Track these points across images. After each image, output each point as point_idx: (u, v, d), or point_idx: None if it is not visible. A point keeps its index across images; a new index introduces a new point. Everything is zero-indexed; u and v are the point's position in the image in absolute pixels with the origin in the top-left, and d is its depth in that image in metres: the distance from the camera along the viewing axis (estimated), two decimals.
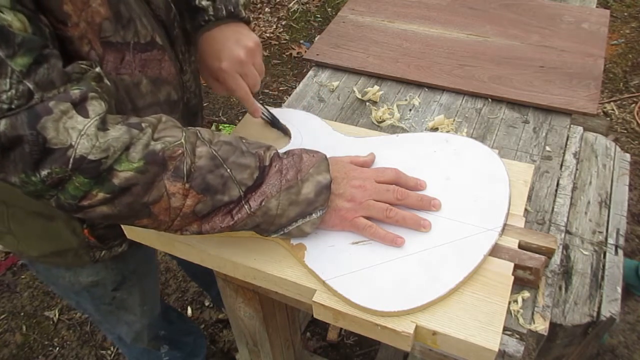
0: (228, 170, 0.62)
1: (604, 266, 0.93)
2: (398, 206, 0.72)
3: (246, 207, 0.64)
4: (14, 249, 0.91)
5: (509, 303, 0.68)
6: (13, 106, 0.52)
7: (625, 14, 2.93)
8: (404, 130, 0.97)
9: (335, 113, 1.02)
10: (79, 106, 0.56)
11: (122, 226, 0.82)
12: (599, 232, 0.98)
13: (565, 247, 0.95)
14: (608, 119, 2.37)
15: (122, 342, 1.23)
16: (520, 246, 0.71)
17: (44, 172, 0.55)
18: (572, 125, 0.98)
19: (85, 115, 0.56)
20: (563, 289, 0.90)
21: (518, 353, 0.65)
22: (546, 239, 0.71)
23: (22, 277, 1.98)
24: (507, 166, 0.79)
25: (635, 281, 1.62)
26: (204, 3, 0.82)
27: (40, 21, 0.57)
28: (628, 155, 1.14)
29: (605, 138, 1.16)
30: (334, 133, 0.89)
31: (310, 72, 1.14)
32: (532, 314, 0.69)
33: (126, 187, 0.58)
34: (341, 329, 1.69)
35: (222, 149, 0.64)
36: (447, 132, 0.95)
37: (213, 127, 2.49)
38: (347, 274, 0.68)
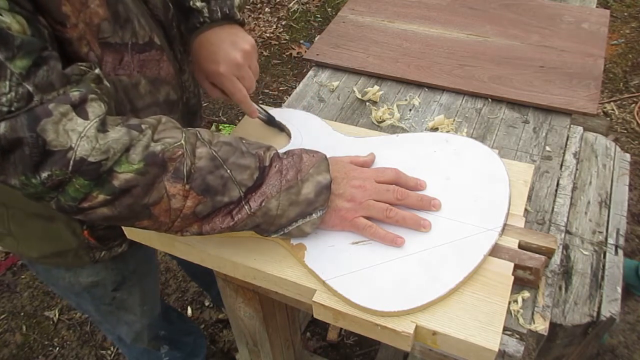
0: (228, 171, 0.62)
1: (604, 266, 0.93)
2: (398, 206, 0.72)
3: (246, 207, 0.64)
4: (14, 250, 0.91)
5: (509, 303, 0.68)
6: (13, 109, 0.52)
7: (625, 14, 2.93)
8: (404, 130, 0.97)
9: (335, 113, 1.02)
10: (79, 108, 0.56)
11: (122, 227, 0.82)
12: (599, 232, 0.98)
13: (565, 247, 0.95)
14: (608, 119, 2.37)
15: (122, 343, 1.23)
16: (520, 246, 0.71)
17: (44, 175, 0.55)
18: (572, 125, 0.98)
19: (85, 117, 0.56)
20: (563, 289, 0.90)
21: (518, 353, 0.65)
22: (546, 239, 0.71)
23: (22, 277, 1.98)
24: (507, 166, 0.79)
25: (635, 281, 1.62)
26: (198, 4, 0.81)
27: (39, 23, 0.57)
28: (628, 155, 1.14)
29: (605, 138, 1.16)
30: (334, 133, 0.89)
31: (310, 72, 1.14)
32: (532, 314, 0.69)
33: (126, 188, 0.58)
34: (341, 329, 1.69)
35: (222, 149, 0.64)
36: (447, 132, 0.95)
37: (213, 127, 2.49)
38: (347, 274, 0.68)
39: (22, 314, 1.87)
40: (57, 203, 0.58)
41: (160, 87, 0.77)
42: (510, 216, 0.74)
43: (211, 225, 0.64)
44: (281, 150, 0.70)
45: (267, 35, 3.03)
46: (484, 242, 0.70)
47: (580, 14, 1.21)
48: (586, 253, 0.95)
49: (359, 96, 1.05)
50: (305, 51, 2.65)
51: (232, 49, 0.79)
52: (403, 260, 0.69)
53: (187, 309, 1.84)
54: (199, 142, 0.63)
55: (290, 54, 2.89)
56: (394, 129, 0.97)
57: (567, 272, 0.92)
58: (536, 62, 1.08)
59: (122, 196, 0.58)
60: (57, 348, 1.77)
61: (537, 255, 0.69)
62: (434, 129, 0.96)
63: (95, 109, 0.57)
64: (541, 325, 0.67)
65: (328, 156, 0.72)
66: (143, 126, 0.60)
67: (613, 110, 2.41)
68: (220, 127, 2.50)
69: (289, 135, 0.90)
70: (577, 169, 0.96)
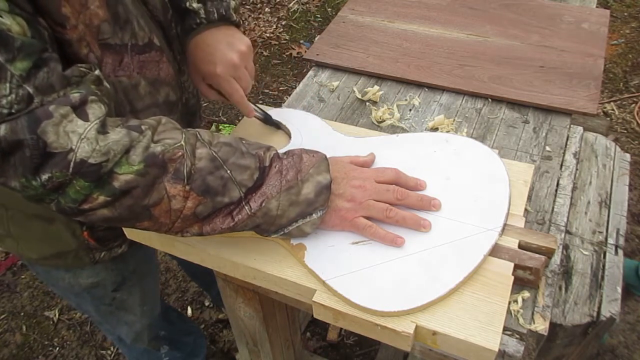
0: (228, 171, 0.62)
1: (604, 266, 0.93)
2: (398, 206, 0.72)
3: (247, 208, 0.64)
4: (14, 251, 0.91)
5: (509, 303, 0.68)
6: (13, 110, 0.52)
7: (625, 14, 2.93)
8: (404, 130, 0.97)
9: (335, 113, 1.02)
10: (79, 110, 0.56)
11: (122, 227, 0.82)
12: (599, 232, 0.98)
13: (565, 247, 0.95)
14: (608, 119, 2.37)
15: (122, 343, 1.23)
16: (520, 246, 0.71)
17: (45, 177, 0.55)
18: (572, 125, 0.98)
19: (86, 118, 0.56)
20: (563, 289, 0.90)
21: (518, 353, 0.65)
22: (546, 239, 0.71)
23: (22, 277, 1.98)
24: (507, 166, 0.79)
25: (635, 281, 1.62)
26: (195, 5, 0.81)
27: (39, 24, 0.57)
28: (628, 155, 1.14)
29: (605, 138, 1.16)
30: (334, 133, 0.89)
31: (310, 72, 1.14)
32: (532, 314, 0.69)
33: (126, 189, 0.58)
34: (341, 329, 1.69)
35: (222, 150, 0.64)
36: (447, 132, 0.95)
37: (213, 127, 2.49)
38: (347, 274, 0.68)
39: (22, 314, 1.87)
40: (57, 205, 0.58)
41: (160, 88, 0.77)
42: (510, 216, 0.74)
43: (211, 225, 0.64)
44: (281, 151, 0.71)
45: (267, 35, 3.03)
46: (484, 242, 0.70)
47: (580, 14, 1.21)
48: (586, 253, 0.95)
49: (359, 96, 1.05)
50: (305, 51, 2.65)
51: (228, 50, 0.79)
52: (403, 260, 0.69)
53: (187, 309, 1.84)
54: (198, 142, 0.63)
55: (290, 54, 2.89)
56: (394, 129, 0.97)
57: (567, 272, 0.92)
58: (536, 62, 1.08)
59: (122, 197, 0.58)
60: (57, 348, 1.77)
61: (537, 255, 0.69)
62: (434, 129, 0.96)
63: (96, 110, 0.57)
64: (541, 325, 0.67)
65: (328, 156, 0.72)
66: (143, 127, 0.60)
67: (613, 110, 2.41)
68: (220, 127, 2.50)
69: (288, 135, 0.90)
70: (577, 169, 0.96)
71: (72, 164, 0.54)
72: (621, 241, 0.98)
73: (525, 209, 0.80)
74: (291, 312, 1.15)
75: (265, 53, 2.91)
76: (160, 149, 0.59)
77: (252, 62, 0.83)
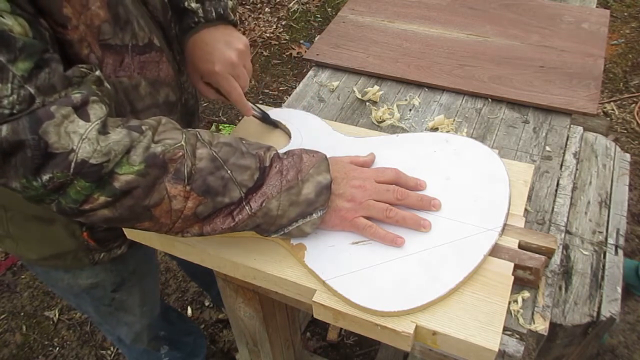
0: (228, 171, 0.62)
1: (604, 266, 0.93)
2: (398, 206, 0.72)
3: (247, 208, 0.64)
4: (13, 252, 0.91)
5: (509, 303, 0.68)
6: (15, 111, 0.52)
7: (625, 14, 2.93)
8: (404, 130, 0.97)
9: (335, 113, 1.02)
10: (80, 110, 0.56)
11: (122, 227, 0.82)
12: (599, 232, 0.98)
13: (565, 247, 0.95)
14: (608, 119, 2.37)
15: (122, 343, 1.23)
16: (520, 246, 0.71)
17: (45, 177, 0.55)
18: (572, 125, 0.98)
19: (87, 119, 0.56)
20: (563, 289, 0.90)
21: (518, 353, 0.65)
22: (546, 239, 0.71)
23: (22, 277, 1.98)
24: (507, 166, 0.79)
25: (635, 281, 1.62)
26: (193, 5, 0.81)
27: (41, 25, 0.57)
28: (628, 155, 1.14)
29: (605, 138, 1.16)
30: (334, 133, 0.89)
31: (310, 72, 1.14)
32: (532, 314, 0.69)
33: (127, 190, 0.58)
34: (341, 329, 1.69)
35: (222, 150, 0.64)
36: (447, 132, 0.95)
37: (213, 127, 2.49)
38: (347, 274, 0.68)
39: (22, 314, 1.87)
40: (58, 205, 0.58)
41: (160, 89, 0.77)
42: (510, 216, 0.74)
43: (212, 226, 0.64)
44: (281, 151, 0.71)
45: (267, 35, 3.03)
46: (484, 242, 0.70)
47: (580, 14, 1.21)
48: (586, 253, 0.95)
49: (359, 96, 1.05)
50: (305, 51, 2.65)
51: (226, 49, 0.80)
52: (403, 260, 0.69)
53: (187, 309, 1.84)
54: (199, 143, 0.63)
55: (290, 54, 2.89)
56: (394, 129, 0.97)
57: (567, 272, 0.92)
58: (536, 62, 1.08)
59: (123, 198, 0.58)
60: (57, 348, 1.77)
61: (537, 255, 0.69)
62: (434, 129, 0.96)
63: (97, 110, 0.57)
64: (541, 325, 0.67)
65: (328, 156, 0.72)
66: (143, 127, 0.60)
67: (613, 110, 2.41)
68: (220, 127, 2.50)
69: (288, 135, 0.90)
70: (577, 169, 0.96)
71: (73, 164, 0.54)
72: (621, 241, 0.98)
73: (525, 209, 0.80)
74: (291, 312, 1.15)
75: (265, 53, 2.91)
76: (161, 149, 0.59)
77: (250, 61, 0.84)
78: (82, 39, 0.62)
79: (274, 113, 0.94)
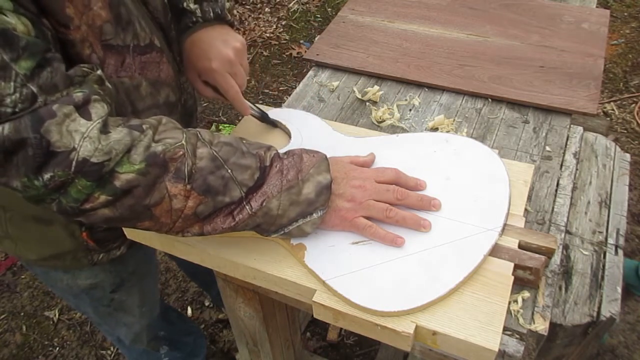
0: (229, 171, 0.63)
1: (604, 266, 0.93)
2: (398, 206, 0.72)
3: (247, 207, 0.64)
4: (12, 253, 0.91)
5: (509, 303, 0.68)
6: (17, 109, 0.52)
7: (625, 14, 2.93)
8: (404, 130, 0.97)
9: (335, 113, 1.02)
10: (82, 109, 0.56)
11: (122, 227, 0.82)
12: (599, 232, 0.98)
13: (565, 247, 0.95)
14: (608, 119, 2.37)
15: (121, 344, 1.23)
16: (520, 246, 0.71)
17: (47, 176, 0.55)
18: (572, 125, 0.98)
19: (88, 117, 0.56)
20: (563, 289, 0.90)
21: (518, 353, 0.65)
22: (546, 239, 0.71)
23: (22, 277, 1.98)
24: (507, 166, 0.79)
25: (635, 281, 1.62)
26: (192, 6, 0.82)
27: (43, 24, 0.57)
28: (628, 155, 1.14)
29: (605, 138, 1.16)
30: (334, 133, 0.89)
31: (310, 72, 1.14)
32: (532, 314, 0.69)
33: (128, 189, 0.58)
34: (341, 329, 1.69)
35: (222, 150, 0.64)
36: (447, 132, 0.95)
37: (213, 127, 2.49)
38: (347, 274, 0.68)
39: (22, 314, 1.87)
40: (58, 205, 0.58)
41: (161, 89, 0.77)
42: (510, 216, 0.74)
43: (212, 225, 0.64)
44: (281, 151, 0.71)
45: (267, 35, 3.03)
46: (484, 242, 0.70)
47: (580, 14, 1.21)
48: (586, 253, 0.95)
49: (359, 96, 1.05)
50: (305, 51, 2.65)
51: (223, 46, 0.80)
52: (403, 260, 0.69)
53: (187, 309, 1.84)
54: (199, 142, 0.63)
55: (290, 54, 2.89)
56: (394, 129, 0.97)
57: (567, 272, 0.92)
58: (536, 62, 1.08)
59: (123, 197, 0.58)
60: (57, 348, 1.77)
61: (537, 255, 0.69)
62: (434, 129, 0.96)
63: (98, 109, 0.57)
64: (541, 325, 0.67)
65: (328, 156, 0.72)
66: (144, 126, 0.60)
67: (613, 110, 2.41)
68: (220, 127, 2.50)
69: (288, 135, 0.90)
70: (577, 169, 0.96)
71: (74, 162, 0.54)
72: (621, 241, 0.98)
73: (525, 209, 0.80)
74: (291, 312, 1.15)
75: (265, 53, 2.91)
76: (162, 149, 0.59)
77: (246, 60, 0.84)
78: (84, 39, 0.62)
79: (273, 113, 0.94)
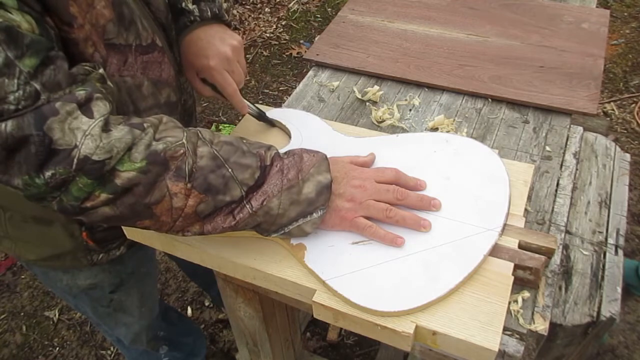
0: (229, 170, 0.63)
1: (604, 266, 0.93)
2: (398, 206, 0.72)
3: (248, 206, 0.64)
4: (12, 253, 0.91)
5: (509, 303, 0.68)
6: (20, 107, 0.52)
7: (625, 14, 2.93)
8: (404, 130, 0.97)
9: (335, 113, 1.02)
10: (84, 107, 0.56)
11: (122, 226, 0.82)
12: (599, 232, 0.98)
13: (565, 247, 0.95)
14: (608, 119, 2.37)
15: (121, 344, 1.23)
16: (520, 246, 0.71)
17: (48, 174, 0.55)
18: (572, 125, 0.98)
19: (90, 115, 0.56)
20: (563, 289, 0.90)
21: (518, 353, 0.65)
22: (546, 239, 0.71)
23: (22, 277, 1.98)
24: (507, 166, 0.79)
25: (635, 281, 1.62)
26: (190, 6, 0.83)
27: (47, 23, 0.57)
28: (628, 155, 1.14)
29: (605, 138, 1.16)
30: (334, 133, 0.89)
31: (310, 72, 1.14)
32: (532, 314, 0.69)
33: (128, 187, 0.58)
34: (341, 329, 1.69)
35: (223, 149, 0.64)
36: (447, 132, 0.95)
37: (213, 128, 2.49)
38: (347, 274, 0.68)
39: (22, 314, 1.87)
40: (59, 203, 0.58)
41: (162, 89, 0.77)
42: (510, 216, 0.74)
43: (213, 224, 0.64)
44: (281, 151, 0.71)
45: (267, 35, 3.03)
46: (484, 242, 0.70)
47: (580, 14, 1.21)
48: (586, 253, 0.95)
49: (359, 96, 1.05)
50: (305, 51, 2.65)
51: (221, 44, 0.81)
52: (403, 260, 0.69)
53: (187, 309, 1.84)
54: (200, 141, 0.63)
55: (290, 54, 2.89)
56: (394, 129, 0.97)
57: (567, 272, 0.92)
58: (536, 62, 1.08)
59: (124, 195, 0.58)
60: (57, 348, 1.77)
61: (537, 255, 0.69)
62: (434, 129, 0.96)
63: (101, 108, 0.57)
64: (541, 325, 0.67)
65: (328, 156, 0.72)
66: (145, 125, 0.60)
67: (613, 110, 2.41)
68: (220, 127, 2.50)
69: (288, 135, 0.90)
70: (577, 169, 0.96)
71: (75, 160, 0.55)
72: (621, 241, 0.98)
73: (525, 209, 0.80)
74: (291, 312, 1.15)
75: (265, 53, 2.91)
76: (162, 147, 0.59)
77: (243, 58, 0.85)
78: (87, 38, 0.63)
79: (274, 113, 0.94)
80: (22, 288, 1.94)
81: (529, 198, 0.83)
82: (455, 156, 0.81)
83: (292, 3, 3.24)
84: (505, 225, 0.73)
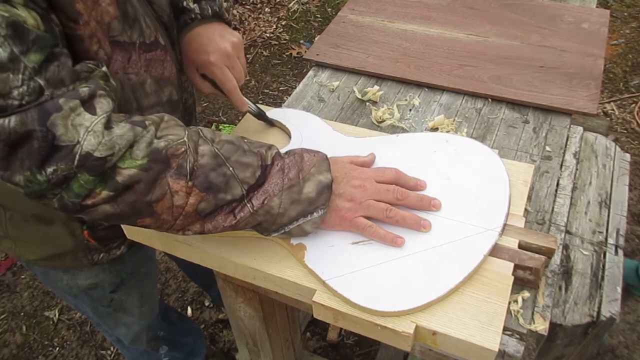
0: (230, 168, 0.63)
1: (604, 266, 0.93)
2: (398, 206, 0.72)
3: (249, 205, 0.64)
4: (11, 253, 0.91)
5: (509, 303, 0.68)
6: (24, 102, 0.52)
7: (625, 14, 2.93)
8: (404, 130, 0.97)
9: (335, 113, 1.02)
10: (88, 104, 0.56)
11: (123, 226, 0.82)
12: (599, 232, 0.98)
13: (565, 247, 0.95)
14: (608, 119, 2.37)
15: (121, 344, 1.23)
16: (520, 246, 0.71)
17: (50, 170, 0.55)
18: (572, 125, 0.98)
19: (93, 112, 0.56)
20: (563, 289, 0.90)
21: (518, 353, 0.65)
22: (546, 239, 0.71)
23: (22, 277, 1.98)
24: (507, 166, 0.79)
25: (635, 281, 1.62)
26: (190, 5, 0.83)
27: (52, 20, 0.58)
28: (628, 155, 1.14)
29: (605, 138, 1.16)
30: (334, 133, 0.89)
31: (310, 72, 1.14)
32: (532, 314, 0.69)
33: (129, 184, 0.58)
34: (341, 329, 1.69)
35: (224, 147, 0.64)
36: (447, 132, 0.95)
37: (213, 127, 2.49)
38: (347, 274, 0.68)
39: (22, 314, 1.87)
40: (60, 201, 0.58)
41: (164, 87, 0.78)
42: (510, 216, 0.74)
43: (213, 223, 0.64)
44: (281, 150, 0.71)
45: (267, 35, 3.03)
46: (484, 242, 0.70)
47: (580, 14, 1.21)
48: (586, 253, 0.95)
49: (359, 96, 1.05)
50: (305, 51, 2.65)
51: (221, 40, 0.82)
52: (403, 260, 0.69)
53: (187, 309, 1.84)
54: (201, 139, 0.63)
55: (290, 54, 2.89)
56: (394, 129, 0.97)
57: (567, 272, 0.92)
58: (536, 62, 1.08)
59: (124, 193, 0.58)
60: (57, 348, 1.77)
61: (537, 255, 0.69)
62: (434, 129, 0.96)
63: (104, 105, 0.58)
64: (541, 325, 0.67)
65: (328, 156, 0.72)
66: (147, 123, 0.60)
67: (613, 110, 2.41)
68: (221, 127, 2.50)
69: (288, 135, 0.90)
70: (577, 169, 0.96)
71: (77, 156, 0.55)
72: (621, 241, 0.98)
73: (525, 209, 0.80)
74: (291, 312, 1.15)
75: (265, 53, 2.91)
76: (164, 145, 0.59)
77: (244, 55, 0.85)
78: (92, 35, 0.63)
79: (274, 113, 0.94)
80: (22, 288, 1.94)
81: (529, 198, 0.83)
82: (455, 156, 0.81)
83: (292, 3, 3.24)
84: (505, 225, 0.73)
